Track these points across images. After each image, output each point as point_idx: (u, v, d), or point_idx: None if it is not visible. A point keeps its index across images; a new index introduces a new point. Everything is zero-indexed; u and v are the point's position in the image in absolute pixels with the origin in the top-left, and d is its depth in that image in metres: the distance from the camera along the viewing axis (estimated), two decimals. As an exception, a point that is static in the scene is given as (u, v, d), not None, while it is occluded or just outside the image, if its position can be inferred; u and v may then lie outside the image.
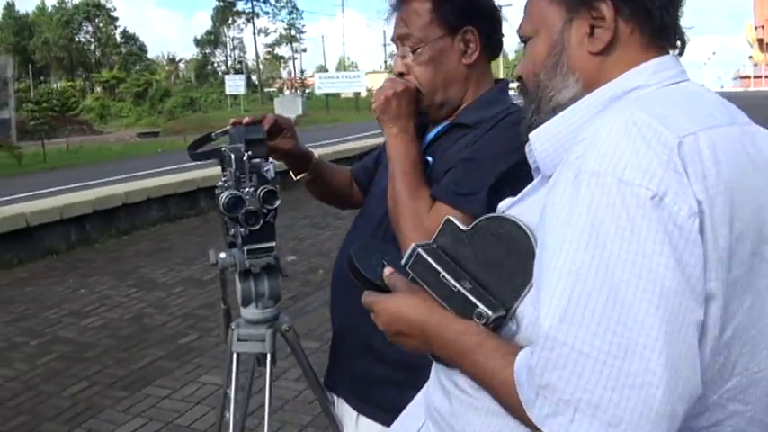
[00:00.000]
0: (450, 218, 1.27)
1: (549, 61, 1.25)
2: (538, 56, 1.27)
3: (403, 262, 1.23)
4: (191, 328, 5.88)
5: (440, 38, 1.85)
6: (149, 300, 6.71)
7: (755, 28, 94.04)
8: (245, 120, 2.00)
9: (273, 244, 1.96)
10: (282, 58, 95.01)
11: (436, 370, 1.30)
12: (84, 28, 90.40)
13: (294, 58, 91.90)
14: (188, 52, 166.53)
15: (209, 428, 4.07)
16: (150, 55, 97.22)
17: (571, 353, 0.97)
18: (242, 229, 1.91)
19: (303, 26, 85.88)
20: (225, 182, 1.90)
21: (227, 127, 1.99)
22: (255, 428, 3.44)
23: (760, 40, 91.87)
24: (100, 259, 8.44)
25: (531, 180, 1.31)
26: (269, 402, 2.13)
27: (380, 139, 1.98)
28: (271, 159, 2.01)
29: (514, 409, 1.06)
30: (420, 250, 1.21)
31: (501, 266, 1.17)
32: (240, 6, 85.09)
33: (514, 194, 1.32)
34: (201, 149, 2.09)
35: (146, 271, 7.74)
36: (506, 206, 1.30)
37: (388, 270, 1.28)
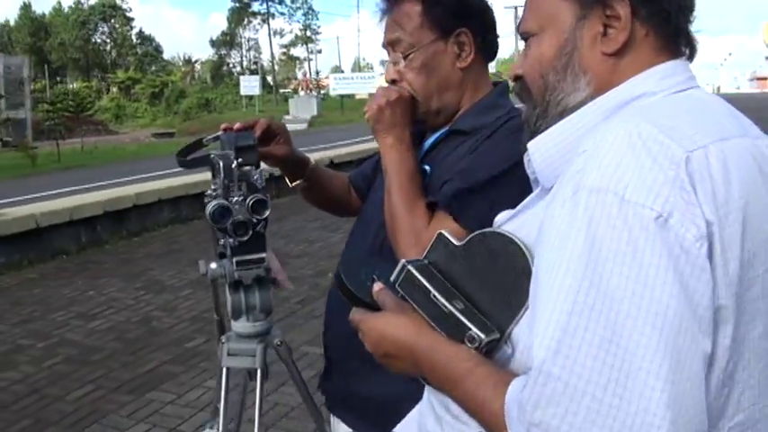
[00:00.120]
0: (443, 232, 1.19)
1: (558, 61, 1.15)
2: (545, 55, 1.17)
3: (392, 279, 1.15)
4: (198, 331, 5.83)
5: (432, 42, 1.77)
6: (157, 302, 6.67)
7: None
8: (236, 125, 1.92)
9: (264, 255, 1.88)
10: (298, 58, 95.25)
11: (428, 393, 1.22)
12: (100, 29, 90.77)
13: (309, 59, 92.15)
14: (204, 53, 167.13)
15: (211, 436, 4.01)
16: (166, 56, 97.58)
17: (566, 389, 0.89)
18: (231, 240, 1.83)
19: (318, 27, 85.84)
20: (214, 190, 1.83)
21: (219, 133, 1.92)
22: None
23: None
24: (109, 261, 8.42)
25: (532, 190, 1.23)
26: (258, 423, 2.04)
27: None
28: (262, 166, 1.93)
29: None
30: (410, 267, 1.13)
31: (496, 286, 1.10)
32: (256, 7, 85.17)
33: (515, 206, 1.24)
34: (191, 156, 2.01)
35: (155, 273, 7.70)
36: (503, 219, 1.23)
37: (377, 286, 1.20)
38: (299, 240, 8.95)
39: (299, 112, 48.27)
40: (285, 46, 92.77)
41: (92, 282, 7.46)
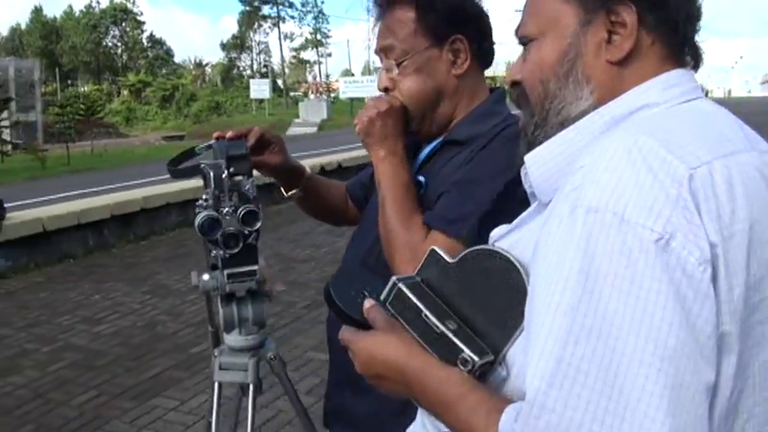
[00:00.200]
0: (435, 248, 1.15)
1: (560, 68, 1.09)
2: (545, 60, 1.11)
3: (382, 297, 1.11)
4: (203, 336, 5.78)
5: (426, 49, 1.71)
6: (163, 307, 6.64)
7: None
8: (229, 134, 1.87)
9: (256, 267, 1.82)
10: (308, 62, 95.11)
11: (421, 414, 1.18)
12: (111, 32, 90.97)
13: (319, 63, 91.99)
14: (214, 56, 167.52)
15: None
16: (177, 59, 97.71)
17: (560, 422, 0.84)
18: (221, 252, 1.78)
19: (329, 30, 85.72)
20: (205, 200, 1.78)
21: (211, 141, 1.87)
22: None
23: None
24: (116, 265, 8.41)
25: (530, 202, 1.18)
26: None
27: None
28: (255, 175, 1.88)
29: None
30: (400, 285, 1.09)
31: (490, 305, 1.06)
32: (266, 11, 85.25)
33: (513, 218, 1.20)
34: (182, 165, 1.96)
35: (161, 277, 7.68)
36: (499, 235, 1.18)
37: (367, 303, 1.14)
38: (306, 245, 8.92)
39: (309, 116, 48.25)
40: (295, 49, 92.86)
41: (98, 285, 7.44)
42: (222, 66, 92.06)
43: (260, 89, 57.23)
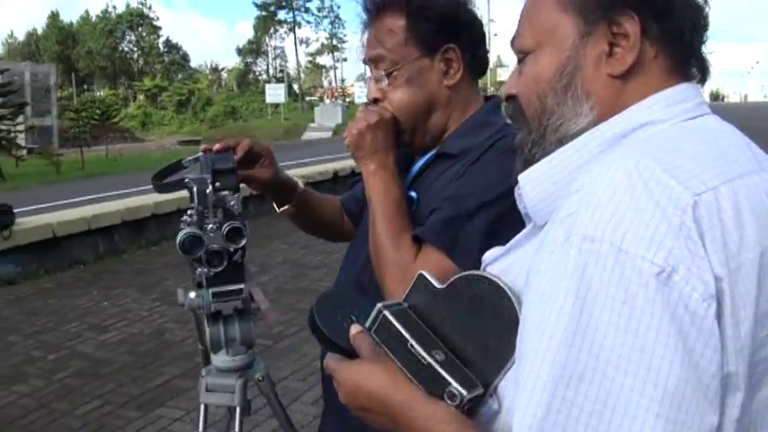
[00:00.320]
0: (424, 273, 1.07)
1: (558, 82, 1.01)
2: (542, 74, 1.03)
3: (367, 325, 1.04)
4: (210, 344, 5.73)
5: (417, 59, 1.63)
6: (171, 314, 6.58)
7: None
8: (216, 147, 1.79)
9: (242, 286, 1.73)
10: (324, 66, 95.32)
11: None
12: (128, 37, 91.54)
13: (335, 67, 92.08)
14: (230, 61, 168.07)
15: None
16: (193, 64, 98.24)
17: None
18: (206, 270, 1.70)
19: (345, 35, 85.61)
20: (190, 215, 1.69)
21: (199, 154, 1.79)
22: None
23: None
24: (126, 271, 8.38)
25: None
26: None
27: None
28: (241, 190, 1.79)
29: None
30: (386, 312, 1.01)
31: (481, 334, 0.98)
32: (282, 16, 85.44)
33: (510, 236, 1.12)
34: (168, 179, 1.87)
35: (170, 284, 7.62)
36: (492, 258, 1.10)
37: (354, 329, 1.06)
38: (318, 251, 8.85)
39: (325, 120, 48.38)
40: (311, 54, 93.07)
41: (107, 292, 7.41)
42: (238, 70, 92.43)
43: (275, 94, 57.45)
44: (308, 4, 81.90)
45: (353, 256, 1.82)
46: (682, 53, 1.00)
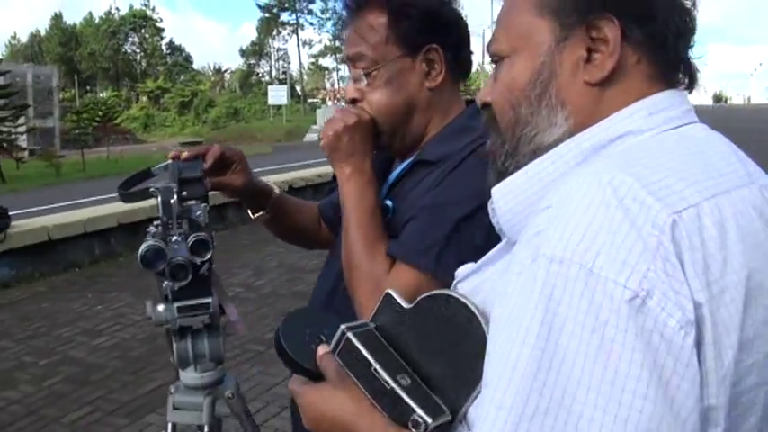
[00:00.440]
0: (390, 291, 1.01)
1: (532, 90, 0.95)
2: (516, 81, 0.97)
3: (331, 347, 0.97)
4: (203, 350, 5.67)
5: (398, 58, 1.55)
6: (165, 319, 6.50)
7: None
8: (184, 154, 1.71)
9: (209, 300, 1.64)
10: (326, 68, 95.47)
11: None
12: (131, 39, 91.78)
13: (338, 69, 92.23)
14: (233, 63, 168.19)
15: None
16: (196, 65, 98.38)
17: None
18: (170, 284, 1.60)
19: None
20: (156, 226, 1.60)
21: (168, 162, 1.70)
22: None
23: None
24: (121, 274, 8.29)
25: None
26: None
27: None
28: (207, 201, 1.71)
29: None
30: (349, 334, 0.95)
31: (448, 357, 0.92)
32: (285, 18, 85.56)
33: (488, 250, 1.05)
34: (134, 188, 1.77)
35: (165, 288, 7.56)
36: (464, 274, 1.04)
37: (321, 350, 1.01)
38: (314, 255, 8.73)
39: (326, 122, 48.30)
40: (314, 56, 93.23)
41: (102, 296, 7.34)
42: (241, 72, 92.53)
43: (278, 95, 57.43)
44: (311, 6, 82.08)
45: (329, 268, 1.75)
46: (666, 59, 0.93)
